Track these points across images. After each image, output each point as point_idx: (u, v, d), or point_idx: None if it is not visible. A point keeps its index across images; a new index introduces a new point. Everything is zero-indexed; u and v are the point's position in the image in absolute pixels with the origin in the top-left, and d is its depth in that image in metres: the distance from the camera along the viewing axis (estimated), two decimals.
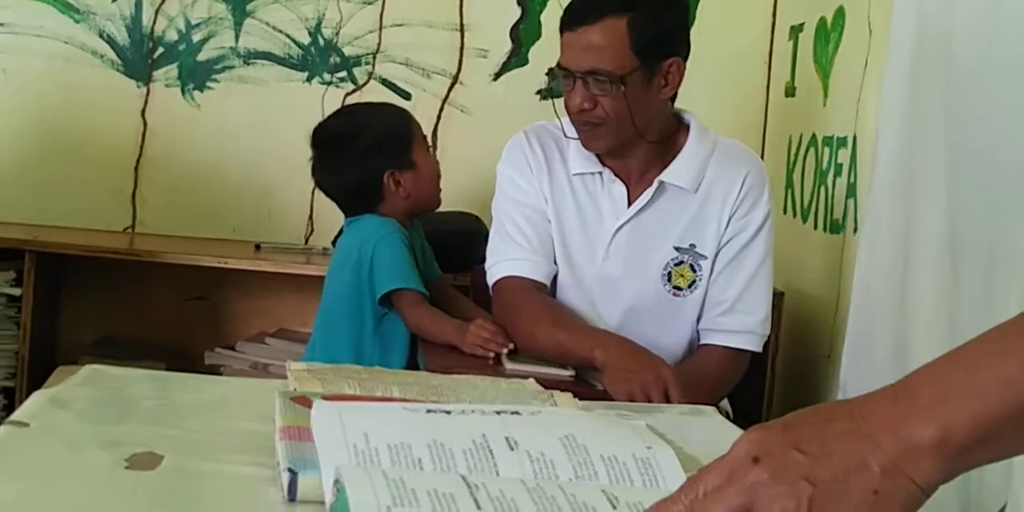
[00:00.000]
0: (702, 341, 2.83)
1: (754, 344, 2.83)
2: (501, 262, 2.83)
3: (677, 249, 2.77)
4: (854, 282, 2.91)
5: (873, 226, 2.84)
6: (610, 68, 2.63)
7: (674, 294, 2.78)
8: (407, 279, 3.03)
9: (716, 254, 2.78)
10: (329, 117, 3.46)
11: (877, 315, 2.76)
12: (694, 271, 2.77)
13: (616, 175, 2.80)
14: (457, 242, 3.47)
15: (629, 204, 2.79)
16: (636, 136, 2.72)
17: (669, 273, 2.77)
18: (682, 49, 2.73)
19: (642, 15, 2.63)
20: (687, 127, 2.83)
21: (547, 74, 2.76)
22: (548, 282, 2.81)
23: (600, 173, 2.81)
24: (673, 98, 2.79)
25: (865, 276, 2.86)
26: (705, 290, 2.80)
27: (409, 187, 3.18)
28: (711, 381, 2.67)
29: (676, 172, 2.77)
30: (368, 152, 3.17)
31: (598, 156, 2.81)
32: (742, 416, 3.03)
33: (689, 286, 2.78)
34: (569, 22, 2.69)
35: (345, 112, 3.53)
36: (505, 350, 2.71)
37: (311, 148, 3.30)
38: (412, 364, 3.10)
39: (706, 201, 2.78)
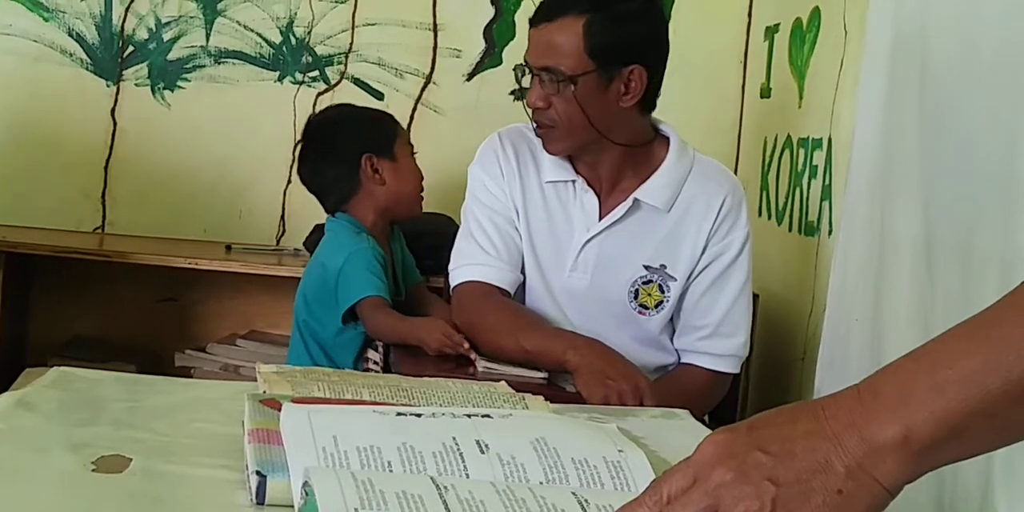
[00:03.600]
0: (683, 360, 2.84)
1: (734, 367, 2.84)
2: (465, 266, 2.82)
3: (647, 268, 2.76)
4: (829, 285, 2.91)
5: (849, 228, 2.84)
6: (562, 67, 2.64)
7: (639, 312, 2.77)
8: (367, 287, 3.05)
9: (689, 277, 2.77)
10: (316, 114, 3.57)
11: (852, 318, 2.77)
12: (662, 291, 2.76)
13: (589, 185, 2.79)
14: (430, 243, 3.48)
15: (601, 217, 2.78)
16: (599, 139, 2.72)
17: (636, 291, 2.76)
18: (647, 59, 2.70)
19: (601, 18, 2.62)
20: (666, 140, 2.82)
21: (513, 70, 2.76)
22: (512, 290, 2.79)
23: (573, 182, 2.80)
24: (650, 107, 2.79)
25: (841, 279, 2.87)
26: (671, 311, 2.79)
27: (387, 176, 3.23)
28: (690, 400, 2.62)
29: (652, 191, 2.75)
30: (350, 136, 3.26)
31: (572, 164, 2.81)
32: (716, 420, 3.04)
33: (656, 306, 2.77)
34: (533, 18, 2.73)
35: (334, 107, 3.61)
36: (463, 347, 2.70)
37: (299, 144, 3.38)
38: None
39: (681, 222, 2.77)
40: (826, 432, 1.03)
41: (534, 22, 2.72)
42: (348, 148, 3.23)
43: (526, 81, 2.75)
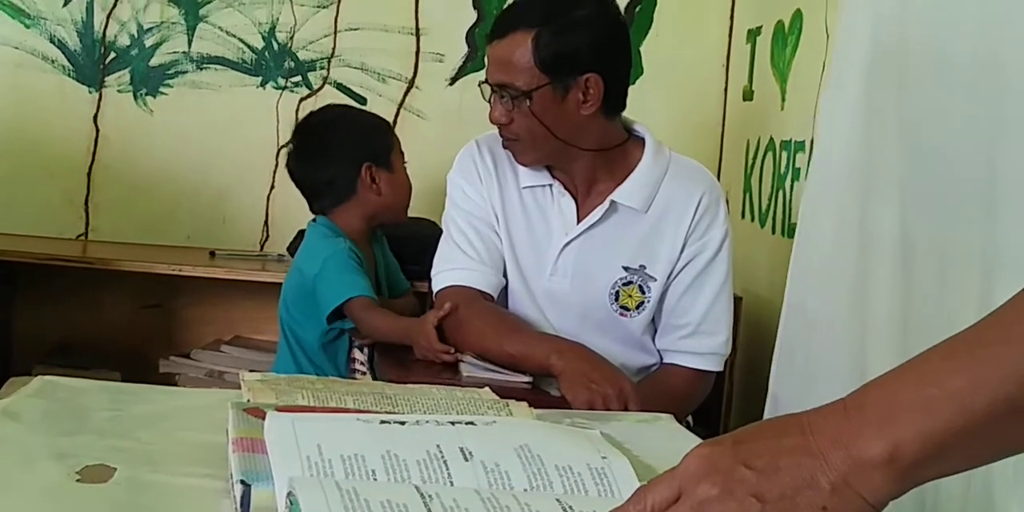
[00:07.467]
0: (665, 360, 2.85)
1: (717, 365, 2.84)
2: (447, 271, 2.83)
3: (626, 269, 2.77)
4: (787, 286, 2.89)
5: (808, 230, 2.82)
6: (517, 83, 2.67)
7: (620, 314, 2.78)
8: (351, 288, 3.05)
9: (669, 276, 2.78)
10: (314, 111, 3.55)
11: (817, 319, 2.76)
12: (643, 292, 2.77)
13: (566, 188, 2.81)
14: (414, 248, 3.48)
15: (579, 220, 2.79)
16: (566, 147, 2.73)
17: (617, 293, 2.77)
18: (602, 65, 2.69)
19: (548, 31, 2.64)
20: (641, 141, 2.83)
21: (479, 86, 2.78)
22: (495, 294, 2.81)
23: (550, 186, 2.82)
24: (616, 110, 2.79)
25: (799, 279, 2.85)
26: (653, 312, 2.80)
27: (383, 186, 3.25)
28: (674, 401, 2.64)
29: (628, 192, 2.77)
30: (350, 142, 3.28)
31: (548, 168, 2.82)
32: (701, 423, 3.05)
33: (637, 307, 2.78)
34: (488, 35, 2.76)
35: (332, 107, 3.60)
36: (452, 358, 2.70)
37: (292, 139, 3.38)
38: None
39: (659, 222, 2.78)
40: (811, 447, 1.04)
41: (488, 38, 2.75)
42: (350, 154, 3.25)
43: (491, 97, 2.76)
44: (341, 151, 3.25)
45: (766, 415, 2.88)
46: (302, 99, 4.41)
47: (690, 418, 2.93)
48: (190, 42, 4.42)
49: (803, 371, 2.78)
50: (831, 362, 2.65)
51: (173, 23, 4.40)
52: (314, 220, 3.33)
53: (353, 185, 3.25)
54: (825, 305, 2.72)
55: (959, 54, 2.27)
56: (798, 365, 2.82)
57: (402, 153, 3.38)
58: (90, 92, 4.41)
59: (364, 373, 3.12)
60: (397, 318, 3.02)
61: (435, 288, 2.86)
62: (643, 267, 2.76)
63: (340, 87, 4.43)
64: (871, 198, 2.57)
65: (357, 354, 3.21)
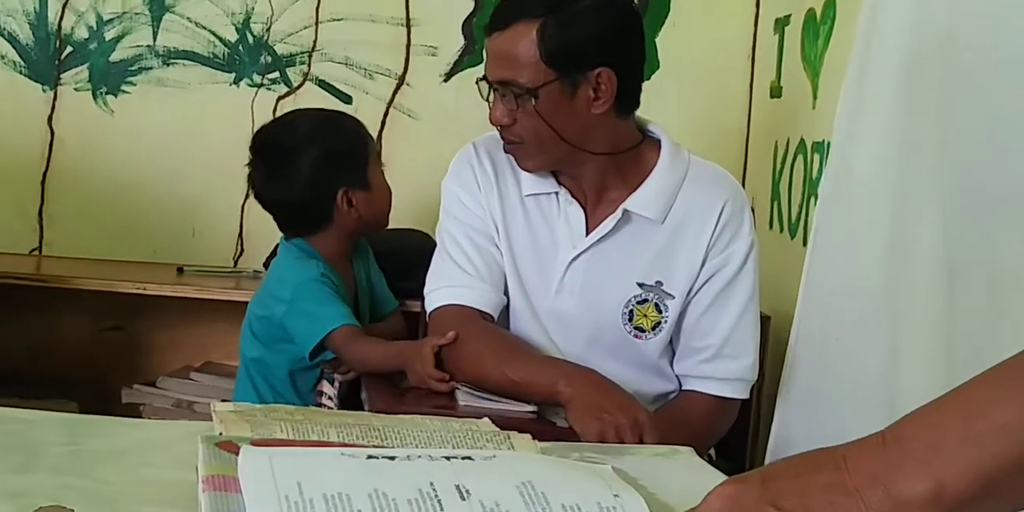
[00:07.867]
0: (684, 387, 2.84)
1: (742, 391, 2.83)
2: (442, 288, 2.82)
3: (641, 286, 2.77)
4: (799, 302, 2.88)
5: (825, 239, 2.81)
6: (520, 79, 2.66)
7: (635, 336, 2.77)
8: (328, 320, 3.04)
9: (688, 294, 2.77)
10: (274, 121, 3.50)
11: (832, 337, 2.75)
12: (659, 311, 2.77)
13: (573, 196, 2.81)
14: (405, 263, 3.47)
15: (588, 231, 2.79)
16: (575, 151, 2.73)
17: (631, 312, 2.76)
18: (615, 58, 2.69)
19: (555, 21, 2.63)
20: (657, 143, 2.83)
21: (476, 84, 2.76)
22: (495, 313, 2.80)
23: (556, 193, 2.81)
24: (629, 109, 2.79)
25: (814, 293, 2.84)
26: (670, 333, 2.79)
27: (362, 208, 3.20)
28: (695, 431, 2.64)
29: (642, 200, 2.76)
30: (321, 165, 3.19)
31: (554, 174, 2.82)
32: (724, 456, 3.04)
33: (653, 328, 2.77)
34: (487, 26, 2.74)
35: (293, 117, 3.49)
36: (447, 387, 2.69)
37: (252, 154, 3.31)
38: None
39: (677, 233, 2.77)
40: (848, 486, 1.04)
41: (487, 30, 2.73)
42: (322, 179, 3.17)
43: (491, 96, 2.75)
44: (312, 176, 3.17)
45: (771, 443, 2.89)
46: (280, 98, 4.42)
47: (712, 451, 2.93)
48: (155, 35, 4.42)
49: (815, 393, 2.78)
50: (850, 385, 2.65)
51: (136, 14, 4.41)
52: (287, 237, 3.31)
53: (329, 213, 3.21)
54: (845, 325, 2.72)
55: (1013, 53, 2.26)
56: (810, 387, 2.82)
57: (379, 155, 3.34)
58: (44, 90, 4.41)
59: (331, 409, 3.11)
60: (388, 344, 2.99)
61: (429, 308, 2.85)
62: (659, 283, 2.76)
63: (322, 84, 4.43)
64: (905, 212, 2.57)
65: (326, 387, 3.20)
